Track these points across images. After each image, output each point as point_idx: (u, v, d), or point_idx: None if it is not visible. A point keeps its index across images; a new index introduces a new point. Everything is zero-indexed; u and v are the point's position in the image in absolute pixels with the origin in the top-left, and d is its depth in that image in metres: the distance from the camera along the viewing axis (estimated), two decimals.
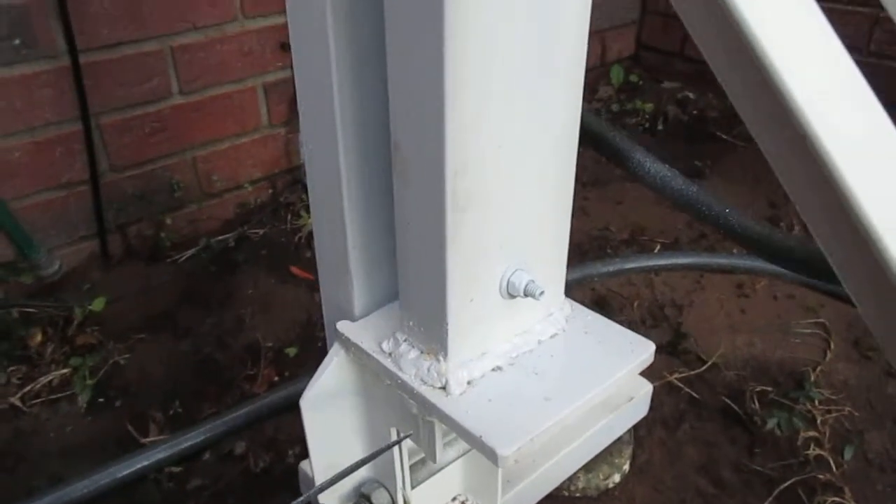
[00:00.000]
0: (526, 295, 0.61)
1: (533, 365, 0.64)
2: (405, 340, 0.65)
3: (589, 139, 0.66)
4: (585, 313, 0.72)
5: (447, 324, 0.59)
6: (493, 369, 0.63)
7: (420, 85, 0.51)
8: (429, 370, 0.62)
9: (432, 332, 0.61)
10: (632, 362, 0.67)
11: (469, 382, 0.62)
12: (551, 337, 0.67)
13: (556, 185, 0.62)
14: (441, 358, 0.61)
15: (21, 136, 1.44)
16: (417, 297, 0.61)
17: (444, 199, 0.53)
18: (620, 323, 1.35)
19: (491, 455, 0.56)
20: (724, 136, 2.21)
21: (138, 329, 1.43)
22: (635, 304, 1.47)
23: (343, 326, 0.69)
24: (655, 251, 1.63)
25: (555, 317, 0.68)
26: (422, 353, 0.63)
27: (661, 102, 2.41)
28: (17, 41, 1.38)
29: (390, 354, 0.65)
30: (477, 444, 0.58)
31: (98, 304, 1.43)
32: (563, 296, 0.71)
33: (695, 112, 2.40)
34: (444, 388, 0.61)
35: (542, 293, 0.61)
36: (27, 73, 1.41)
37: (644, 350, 0.69)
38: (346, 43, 0.57)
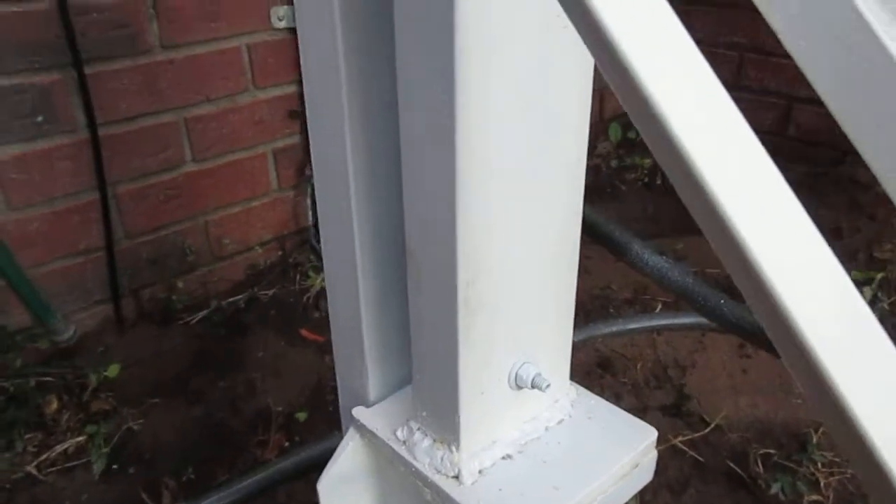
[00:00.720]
0: (533, 387, 0.65)
1: (542, 453, 0.67)
2: (418, 429, 0.68)
3: (589, 232, 0.70)
4: (589, 398, 0.75)
5: (459, 416, 0.63)
6: (504, 457, 0.67)
7: (432, 203, 0.55)
8: (442, 459, 0.65)
9: (445, 423, 0.65)
10: (635, 449, 0.70)
11: (480, 472, 0.65)
12: (558, 423, 0.71)
13: (560, 281, 0.66)
14: (454, 448, 0.65)
15: (40, 208, 1.49)
16: (430, 390, 0.65)
17: (456, 305, 0.57)
18: (624, 385, 1.37)
19: None
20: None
21: (151, 394, 1.45)
22: (638, 365, 1.50)
23: (359, 413, 0.72)
24: (657, 311, 1.66)
25: (561, 403, 0.72)
26: (434, 441, 0.66)
27: None
28: (39, 118, 1.44)
29: (405, 442, 0.68)
30: None
31: (112, 371, 1.47)
32: (569, 381, 0.74)
33: None
34: (456, 477, 0.64)
35: (548, 386, 0.64)
36: (47, 148, 1.47)
37: (647, 436, 0.72)
38: (363, 162, 0.61)
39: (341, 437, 0.76)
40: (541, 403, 0.70)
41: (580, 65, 0.57)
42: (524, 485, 0.64)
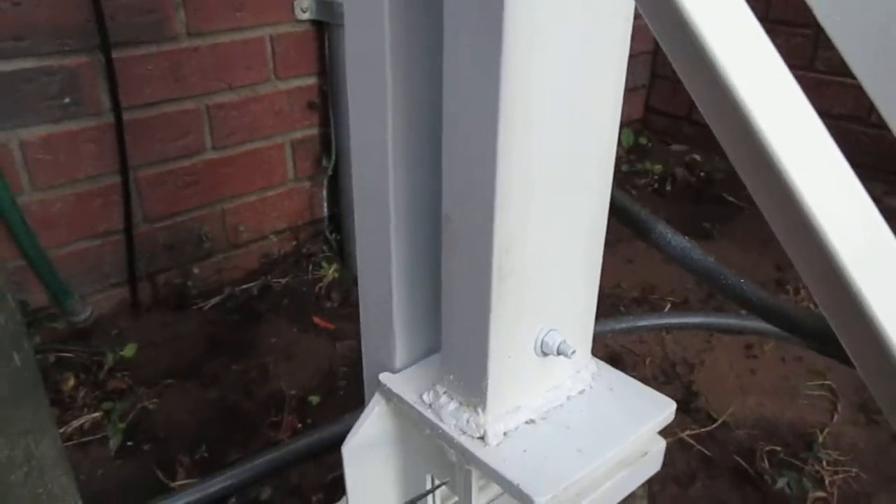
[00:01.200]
0: (559, 353, 0.67)
1: (564, 419, 0.69)
2: (445, 393, 0.70)
3: (615, 212, 0.73)
4: (610, 371, 0.77)
5: (487, 379, 0.65)
6: (527, 422, 0.68)
7: (473, 169, 0.57)
8: (468, 421, 0.67)
9: (472, 387, 0.67)
10: (655, 418, 0.72)
11: (505, 434, 0.67)
12: (580, 393, 0.73)
13: (588, 255, 0.68)
14: (480, 410, 0.66)
15: (63, 189, 1.52)
16: (459, 354, 0.67)
17: (491, 271, 0.59)
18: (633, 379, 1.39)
19: (528, 502, 0.61)
20: (730, 198, 2.29)
21: (166, 375, 1.47)
22: (647, 361, 1.51)
23: (385, 378, 0.74)
24: (666, 310, 1.69)
25: (582, 374, 0.73)
26: (461, 405, 0.68)
27: (670, 164, 2.50)
28: (66, 100, 1.47)
29: (430, 406, 0.70)
30: (514, 492, 0.62)
31: (129, 351, 1.49)
32: (590, 355, 0.76)
33: (702, 174, 2.49)
34: (482, 438, 0.66)
35: (573, 352, 0.66)
36: (73, 130, 1.50)
37: (666, 407, 0.74)
38: (403, 118, 0.63)
39: (355, 418, 0.78)
40: (564, 372, 0.72)
41: (620, 46, 0.59)
42: (548, 447, 0.66)
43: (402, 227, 0.69)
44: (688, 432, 1.34)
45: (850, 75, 0.51)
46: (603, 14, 0.56)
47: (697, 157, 2.56)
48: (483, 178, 0.57)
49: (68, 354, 1.45)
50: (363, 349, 0.81)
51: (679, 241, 0.73)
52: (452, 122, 0.59)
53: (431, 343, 0.77)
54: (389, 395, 0.74)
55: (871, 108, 2.13)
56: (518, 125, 0.54)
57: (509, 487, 0.63)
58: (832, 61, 2.28)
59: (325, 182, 1.90)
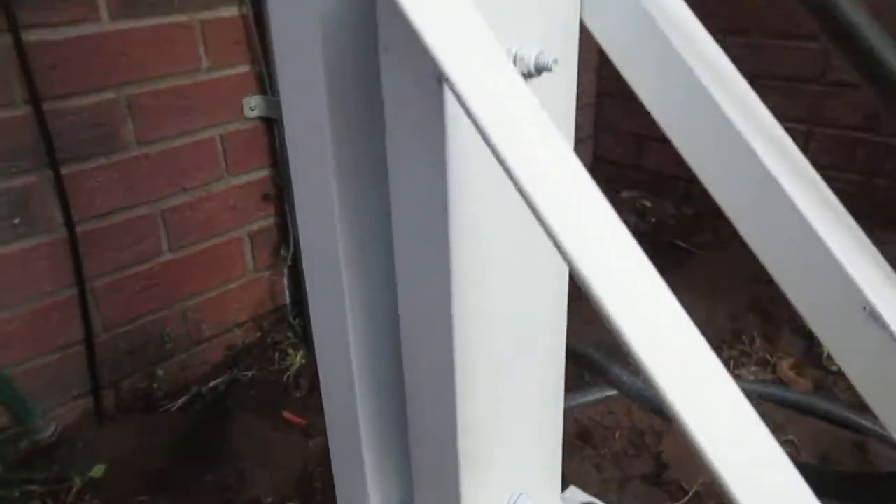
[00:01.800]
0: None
1: None
2: None
3: (570, 357, 0.76)
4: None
5: None
6: None
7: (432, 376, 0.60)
8: None
9: None
10: None
11: None
12: None
13: (548, 419, 0.72)
14: None
15: (18, 308, 1.50)
16: None
17: (457, 431, 0.61)
18: (604, 456, 1.42)
19: None
20: (681, 244, 2.36)
21: (139, 492, 1.45)
22: (616, 434, 1.55)
23: None
24: None
25: None
26: None
27: (623, 213, 2.56)
28: (16, 220, 1.45)
29: None
30: None
31: (97, 471, 1.46)
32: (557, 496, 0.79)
33: (653, 220, 2.56)
34: None
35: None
36: (25, 249, 1.48)
37: None
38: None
39: None
40: None
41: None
42: None
43: (364, 388, 0.71)
44: None
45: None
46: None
47: (647, 203, 2.63)
48: (445, 385, 0.59)
49: (34, 488, 1.42)
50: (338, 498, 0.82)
51: (633, 381, 0.77)
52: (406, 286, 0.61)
53: (404, 495, 0.79)
54: None
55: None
56: (471, 280, 0.57)
57: None
58: None
59: (286, 270, 1.90)
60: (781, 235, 0.55)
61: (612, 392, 1.62)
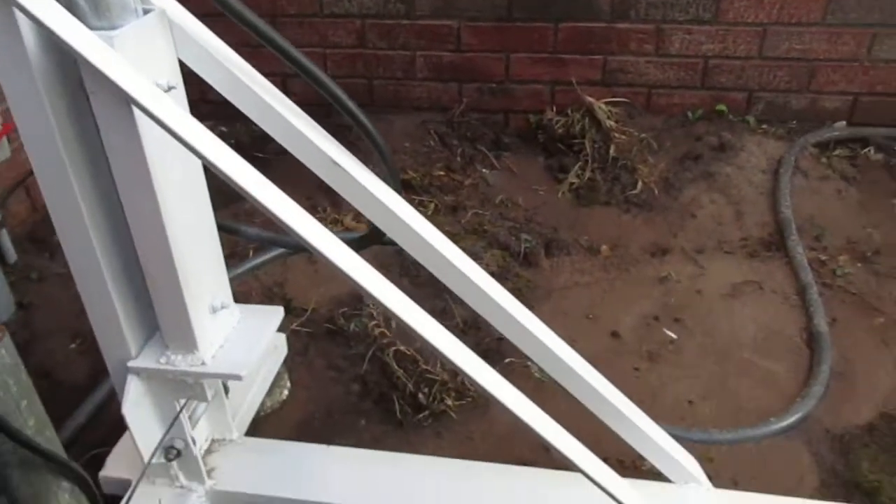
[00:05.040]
0: (222, 308, 1.33)
1: (236, 339, 1.36)
2: (170, 353, 1.30)
3: (219, 228, 1.38)
4: (246, 307, 1.45)
5: (194, 333, 1.27)
6: (220, 347, 1.33)
7: (152, 245, 1.17)
8: (192, 360, 1.29)
9: (187, 341, 1.28)
10: (276, 322, 1.44)
11: (212, 356, 1.31)
12: (238, 322, 1.40)
13: (217, 256, 1.34)
14: (195, 352, 1.29)
15: None
16: (174, 329, 1.27)
17: (180, 283, 1.20)
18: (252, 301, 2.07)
19: (237, 377, 1.28)
20: (260, 155, 3.04)
21: None
22: (253, 292, 2.23)
23: (133, 363, 1.30)
24: (251, 255, 2.40)
25: (234, 313, 1.40)
26: (184, 354, 1.30)
27: None
28: None
29: (168, 363, 1.29)
30: (230, 377, 1.29)
31: None
32: (234, 303, 1.43)
33: (233, 141, 3.17)
34: (203, 363, 1.29)
35: (227, 306, 1.33)
36: None
37: (279, 314, 1.46)
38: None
39: None
40: (228, 316, 1.39)
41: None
42: (234, 355, 1.33)
43: (113, 268, 1.24)
44: (295, 325, 2.12)
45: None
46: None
47: (224, 129, 3.23)
48: (161, 248, 1.17)
49: None
50: (103, 352, 1.34)
51: (253, 231, 1.44)
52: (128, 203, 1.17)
53: (148, 330, 1.35)
54: (139, 371, 1.32)
55: None
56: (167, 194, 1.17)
57: (226, 377, 1.30)
58: None
59: None
60: (288, 142, 1.25)
61: (258, 261, 2.29)
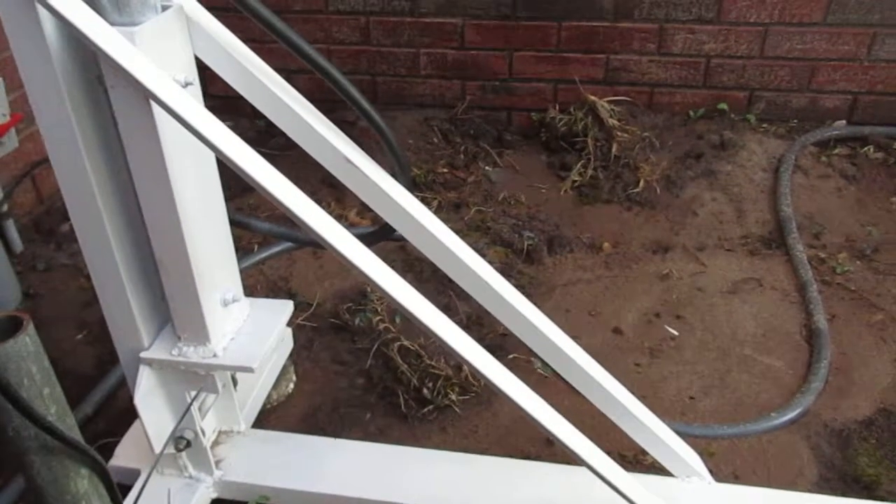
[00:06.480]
0: (233, 301, 1.34)
1: (247, 331, 1.37)
2: (183, 345, 1.32)
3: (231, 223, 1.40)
4: (256, 301, 1.47)
5: (206, 325, 1.29)
6: (231, 340, 1.35)
7: (170, 239, 1.18)
8: (204, 352, 1.31)
9: (199, 333, 1.30)
10: (285, 316, 1.46)
11: (224, 349, 1.32)
12: (248, 316, 1.41)
13: (229, 253, 1.35)
14: (207, 344, 1.31)
15: None
16: (186, 321, 1.29)
17: (195, 279, 1.22)
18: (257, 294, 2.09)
19: (249, 369, 1.30)
20: (264, 150, 3.05)
21: None
22: (258, 286, 2.25)
23: (144, 354, 1.32)
24: (256, 250, 2.41)
25: (244, 307, 1.42)
26: (196, 346, 1.31)
27: None
28: None
29: (180, 354, 1.31)
30: (240, 369, 1.31)
31: None
32: (245, 298, 1.44)
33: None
34: (215, 355, 1.31)
35: (238, 300, 1.35)
36: None
37: (288, 308, 1.48)
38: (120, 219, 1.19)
39: None
40: (239, 310, 1.40)
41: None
42: (246, 347, 1.35)
43: (128, 264, 1.26)
44: (300, 319, 2.14)
45: None
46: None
47: (230, 123, 3.23)
48: (177, 242, 1.19)
49: None
50: (115, 342, 1.35)
51: (263, 225, 1.45)
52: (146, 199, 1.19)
53: (160, 321, 1.37)
54: (151, 361, 1.33)
55: None
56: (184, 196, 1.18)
57: (237, 369, 1.31)
58: None
59: None
60: (300, 138, 1.27)
61: (266, 253, 2.31)
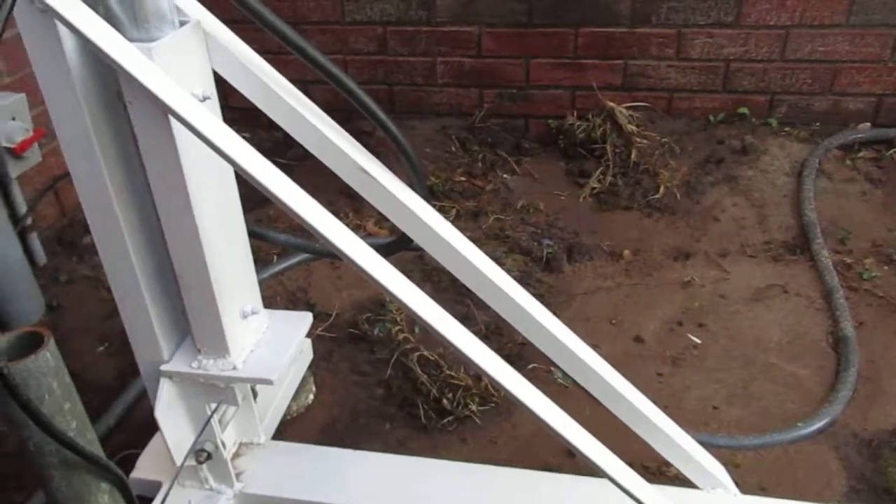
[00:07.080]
0: (252, 314, 1.34)
1: (266, 342, 1.38)
2: (202, 358, 1.32)
3: (250, 234, 1.40)
4: (275, 312, 1.47)
5: (226, 340, 1.29)
6: (251, 352, 1.35)
7: (190, 257, 1.19)
8: (223, 365, 1.31)
9: (218, 346, 1.30)
10: (304, 328, 1.46)
11: (243, 361, 1.33)
12: (267, 328, 1.41)
13: (249, 267, 1.36)
14: (227, 356, 1.31)
15: None
16: (206, 335, 1.29)
17: (214, 294, 1.22)
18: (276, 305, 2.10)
19: (267, 381, 1.30)
20: (283, 161, 3.07)
21: None
22: (278, 298, 2.25)
23: (165, 367, 1.32)
24: (274, 261, 2.42)
25: (263, 319, 1.42)
26: (215, 359, 1.31)
27: None
28: None
29: (199, 367, 1.32)
30: (260, 381, 1.30)
31: None
32: (263, 309, 1.44)
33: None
34: (234, 368, 1.31)
35: (257, 313, 1.35)
36: None
37: (308, 319, 1.48)
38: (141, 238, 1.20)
39: None
40: (259, 322, 1.41)
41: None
42: (266, 359, 1.35)
43: (147, 276, 1.27)
44: (319, 330, 2.14)
45: None
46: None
47: (247, 135, 3.26)
48: (198, 260, 1.19)
49: None
50: (136, 355, 1.36)
51: (280, 237, 1.46)
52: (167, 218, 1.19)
53: (180, 334, 1.37)
54: (170, 374, 1.34)
55: None
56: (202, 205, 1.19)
57: (257, 381, 1.31)
58: None
59: None
60: (318, 149, 1.27)
61: (282, 265, 2.32)
